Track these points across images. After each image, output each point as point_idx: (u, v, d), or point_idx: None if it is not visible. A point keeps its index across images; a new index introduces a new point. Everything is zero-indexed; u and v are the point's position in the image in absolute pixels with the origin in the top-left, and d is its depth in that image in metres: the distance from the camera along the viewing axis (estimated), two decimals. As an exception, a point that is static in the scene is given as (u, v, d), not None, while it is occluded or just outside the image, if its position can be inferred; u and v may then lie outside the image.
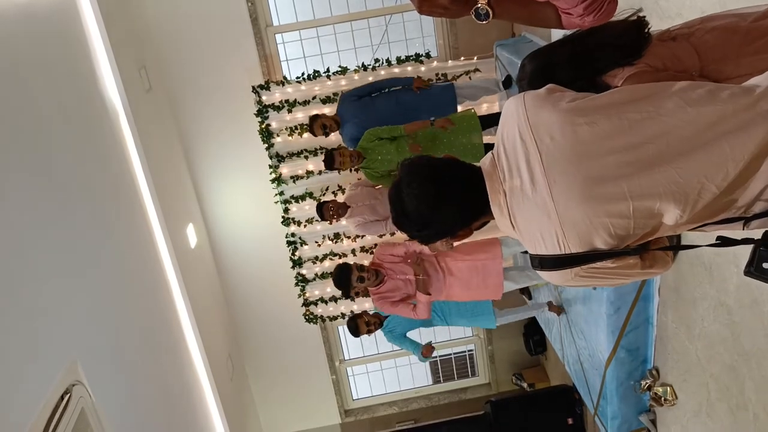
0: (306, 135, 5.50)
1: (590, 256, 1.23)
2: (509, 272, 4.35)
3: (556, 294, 4.79)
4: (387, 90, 5.03)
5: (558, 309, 4.66)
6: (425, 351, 4.49)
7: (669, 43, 1.68)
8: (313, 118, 4.89)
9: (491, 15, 1.41)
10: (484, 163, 1.36)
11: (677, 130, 1.17)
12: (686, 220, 1.20)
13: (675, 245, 1.39)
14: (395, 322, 4.45)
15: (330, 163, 4.59)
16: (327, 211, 4.75)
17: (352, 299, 5.96)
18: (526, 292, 5.59)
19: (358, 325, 4.37)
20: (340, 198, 5.26)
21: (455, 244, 3.96)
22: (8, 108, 2.81)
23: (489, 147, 4.67)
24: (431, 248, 3.91)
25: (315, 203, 5.56)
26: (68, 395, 2.66)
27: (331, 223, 5.02)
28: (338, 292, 5.95)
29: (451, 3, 1.35)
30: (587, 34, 1.62)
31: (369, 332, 4.41)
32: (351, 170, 5.06)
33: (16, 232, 2.64)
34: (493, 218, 1.35)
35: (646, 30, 1.63)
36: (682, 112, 1.17)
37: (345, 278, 3.95)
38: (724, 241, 1.28)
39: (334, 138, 5.13)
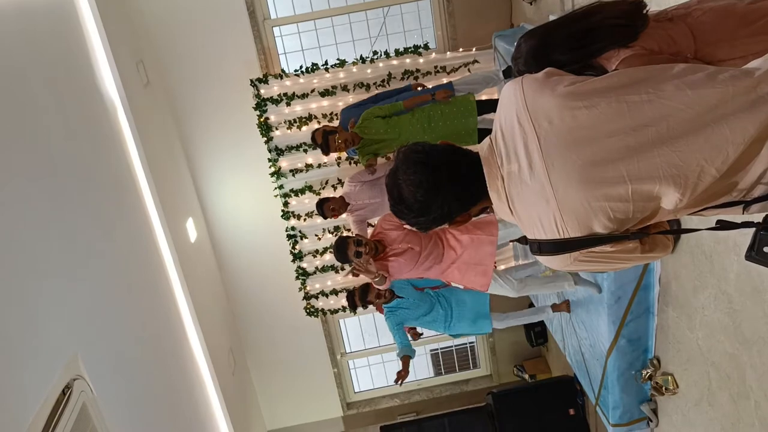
0: (305, 128, 5.49)
1: (589, 241, 1.22)
2: (506, 279, 4.28)
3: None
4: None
5: (565, 306, 4.64)
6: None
7: (665, 23, 1.67)
8: (315, 130, 4.87)
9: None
10: (482, 148, 1.34)
11: (677, 113, 1.16)
12: (686, 204, 1.20)
13: (674, 229, 1.38)
14: (402, 306, 4.43)
15: (325, 148, 4.57)
16: (327, 209, 4.76)
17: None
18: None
19: (369, 289, 4.31)
20: (339, 191, 5.25)
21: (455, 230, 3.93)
22: (6, 104, 2.80)
23: (483, 132, 4.65)
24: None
25: (315, 196, 5.57)
26: (69, 390, 2.66)
27: (333, 218, 5.03)
28: (339, 286, 5.97)
29: None
30: (584, 15, 1.61)
31: (378, 301, 4.31)
32: (351, 163, 5.02)
33: (16, 227, 2.64)
34: (492, 204, 1.34)
35: (643, 12, 1.62)
36: (682, 95, 1.16)
37: (342, 253, 3.93)
38: (723, 225, 1.28)
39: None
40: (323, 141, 4.57)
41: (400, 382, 4.28)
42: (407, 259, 3.87)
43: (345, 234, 5.82)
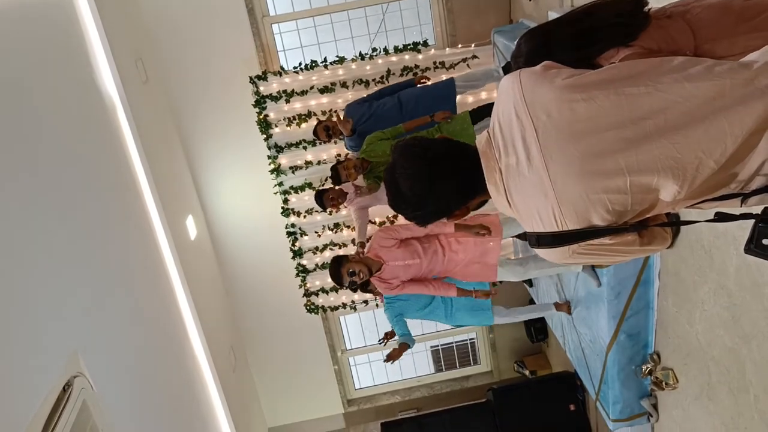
0: (304, 125, 5.49)
1: (588, 233, 1.22)
2: (508, 264, 4.29)
3: (558, 285, 4.77)
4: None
5: (566, 307, 4.63)
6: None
7: (664, 21, 1.67)
8: (318, 124, 4.83)
9: None
10: (480, 141, 1.34)
11: (675, 106, 1.16)
12: (684, 196, 1.20)
13: (673, 221, 1.38)
14: (401, 297, 4.41)
15: (337, 179, 4.50)
16: (327, 199, 4.70)
17: (353, 291, 5.97)
18: (527, 279, 5.58)
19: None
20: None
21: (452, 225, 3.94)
22: (5, 102, 2.80)
23: None
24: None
25: (314, 194, 5.56)
26: (70, 387, 2.66)
27: (330, 214, 4.98)
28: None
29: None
30: (585, 14, 1.61)
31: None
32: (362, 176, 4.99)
33: (16, 224, 2.64)
34: (490, 197, 1.34)
35: (644, 10, 1.62)
36: (680, 87, 1.16)
37: (336, 272, 3.88)
38: (722, 217, 1.27)
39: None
40: (333, 173, 4.49)
41: (391, 362, 4.33)
42: (410, 278, 3.94)
43: (345, 236, 5.83)
